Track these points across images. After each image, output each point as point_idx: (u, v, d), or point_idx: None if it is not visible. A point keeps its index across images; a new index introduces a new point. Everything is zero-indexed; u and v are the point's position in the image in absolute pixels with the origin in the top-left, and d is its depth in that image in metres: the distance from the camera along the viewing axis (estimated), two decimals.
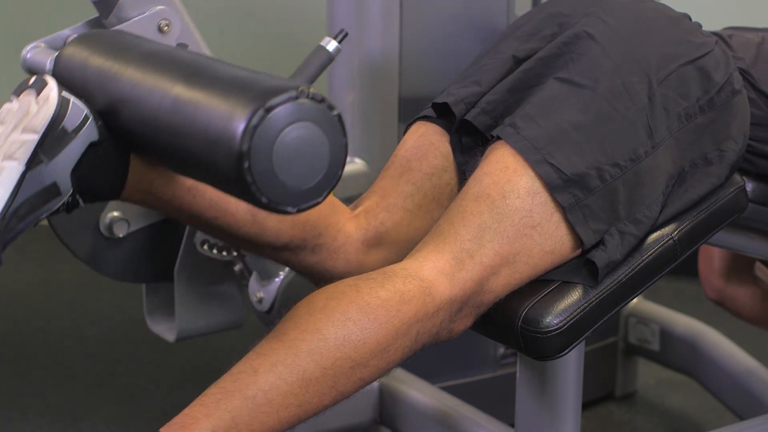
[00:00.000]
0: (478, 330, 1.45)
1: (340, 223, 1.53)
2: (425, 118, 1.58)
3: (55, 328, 2.69)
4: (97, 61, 1.38)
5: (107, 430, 2.22)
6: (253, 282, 1.89)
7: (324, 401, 1.29)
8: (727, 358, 2.19)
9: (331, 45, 1.68)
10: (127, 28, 1.58)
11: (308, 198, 1.22)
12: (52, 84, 1.33)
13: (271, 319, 1.88)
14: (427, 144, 1.56)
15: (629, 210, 1.44)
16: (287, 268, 1.86)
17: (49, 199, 1.33)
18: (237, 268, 1.95)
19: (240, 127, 1.16)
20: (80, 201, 1.37)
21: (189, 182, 1.44)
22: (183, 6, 1.66)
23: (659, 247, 1.48)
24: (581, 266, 1.43)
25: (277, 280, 1.86)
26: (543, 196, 1.40)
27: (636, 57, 1.48)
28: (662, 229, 1.49)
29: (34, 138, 1.30)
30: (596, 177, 1.41)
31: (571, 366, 1.56)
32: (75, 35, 1.55)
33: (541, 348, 1.40)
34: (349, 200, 1.59)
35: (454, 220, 1.39)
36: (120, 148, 1.37)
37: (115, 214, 1.83)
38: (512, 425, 1.65)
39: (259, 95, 1.18)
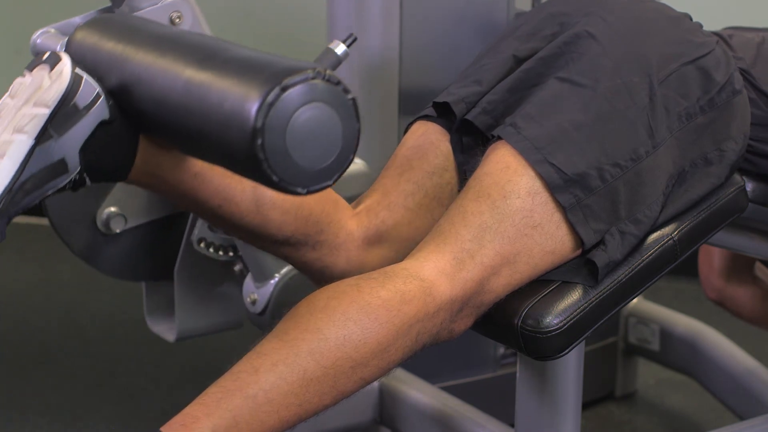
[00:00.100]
0: (479, 330, 1.45)
1: (342, 220, 1.53)
2: (426, 117, 1.58)
3: (55, 328, 2.69)
4: (108, 44, 1.38)
5: (107, 430, 2.22)
6: (247, 283, 1.89)
7: (324, 401, 1.29)
8: (727, 358, 2.19)
9: (340, 48, 1.68)
10: None
11: (319, 180, 1.23)
12: (66, 60, 1.33)
13: (263, 320, 1.88)
14: (427, 143, 1.56)
15: (630, 210, 1.44)
16: (282, 271, 1.86)
17: (56, 176, 1.33)
18: (237, 268, 1.95)
19: (255, 103, 1.17)
20: (87, 179, 1.37)
21: (196, 168, 1.44)
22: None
23: (659, 247, 1.48)
24: (581, 266, 1.43)
25: (271, 282, 1.86)
26: (544, 196, 1.40)
27: (636, 56, 1.48)
28: (662, 229, 1.49)
29: (45, 112, 1.30)
30: (597, 177, 1.41)
31: (571, 366, 1.56)
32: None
33: (541, 348, 1.40)
34: (348, 200, 1.59)
35: (455, 220, 1.39)
36: (130, 128, 1.38)
37: (112, 209, 1.83)
38: (512, 425, 1.65)
39: (275, 74, 1.18)
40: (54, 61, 1.33)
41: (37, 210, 1.81)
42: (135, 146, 1.39)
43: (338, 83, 1.21)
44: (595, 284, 1.42)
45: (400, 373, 1.96)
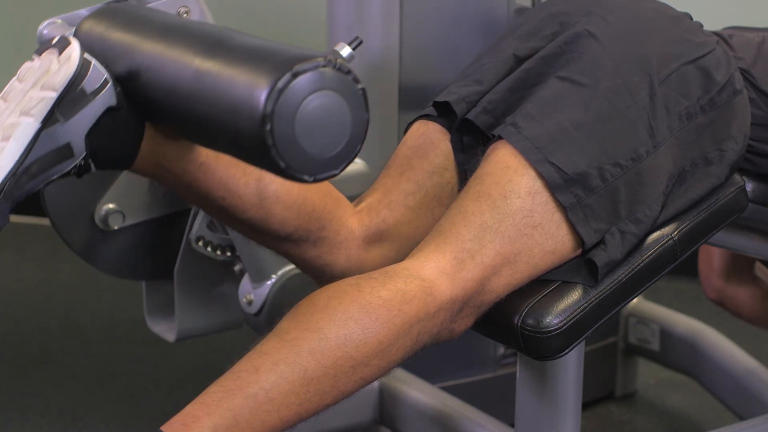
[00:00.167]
0: (479, 330, 1.45)
1: (344, 218, 1.53)
2: (426, 116, 1.58)
3: (55, 328, 2.69)
4: (116, 32, 1.39)
5: (107, 430, 2.22)
6: (244, 284, 1.89)
7: (325, 400, 1.29)
8: (727, 358, 2.19)
9: (345, 51, 1.67)
10: None
11: (326, 168, 1.23)
12: (75, 44, 1.33)
13: (259, 321, 1.88)
14: (428, 142, 1.56)
15: (630, 209, 1.44)
16: (279, 272, 1.86)
17: (61, 160, 1.33)
18: (237, 268, 1.95)
19: (266, 89, 1.17)
20: (92, 165, 1.37)
21: (201, 158, 1.44)
22: None
23: (659, 247, 1.48)
24: (581, 266, 1.43)
25: (268, 283, 1.86)
26: (544, 196, 1.40)
27: (637, 56, 1.48)
28: (662, 229, 1.49)
29: (52, 96, 1.30)
30: (597, 176, 1.41)
31: (571, 366, 1.56)
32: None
33: (541, 348, 1.40)
34: (349, 200, 1.59)
35: (456, 219, 1.39)
36: (137, 116, 1.38)
37: (111, 206, 1.83)
38: (512, 425, 1.65)
39: (286, 61, 1.19)
40: (63, 45, 1.33)
41: (37, 210, 1.81)
42: (141, 134, 1.39)
43: (348, 72, 1.21)
44: (595, 284, 1.42)
45: (400, 373, 1.96)
